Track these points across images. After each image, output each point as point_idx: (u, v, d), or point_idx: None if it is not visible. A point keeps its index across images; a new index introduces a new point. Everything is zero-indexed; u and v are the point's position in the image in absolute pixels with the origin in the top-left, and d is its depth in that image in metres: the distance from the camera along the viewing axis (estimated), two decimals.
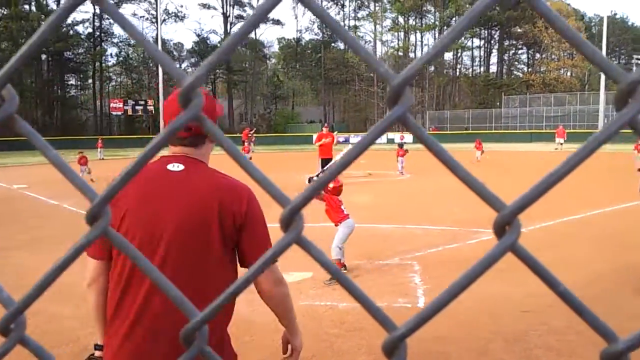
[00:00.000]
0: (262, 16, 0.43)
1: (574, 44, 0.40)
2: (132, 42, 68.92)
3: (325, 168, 17.10)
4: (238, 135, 45.06)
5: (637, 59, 66.92)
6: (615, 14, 78.28)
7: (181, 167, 1.98)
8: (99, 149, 33.82)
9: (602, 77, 52.23)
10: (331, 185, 7.18)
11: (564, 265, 7.25)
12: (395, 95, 0.40)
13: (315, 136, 19.32)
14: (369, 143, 0.41)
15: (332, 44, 78.89)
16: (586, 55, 0.40)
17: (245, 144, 27.42)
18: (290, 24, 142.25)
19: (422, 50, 79.53)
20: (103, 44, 67.96)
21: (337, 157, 16.47)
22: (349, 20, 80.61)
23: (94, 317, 2.11)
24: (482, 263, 0.40)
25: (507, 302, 5.89)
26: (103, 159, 32.96)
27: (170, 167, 1.98)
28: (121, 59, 69.32)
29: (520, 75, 77.12)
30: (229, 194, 1.97)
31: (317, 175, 7.58)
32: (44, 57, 62.86)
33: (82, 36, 66.31)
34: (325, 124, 20.94)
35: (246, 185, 1.93)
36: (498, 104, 68.21)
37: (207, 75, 0.44)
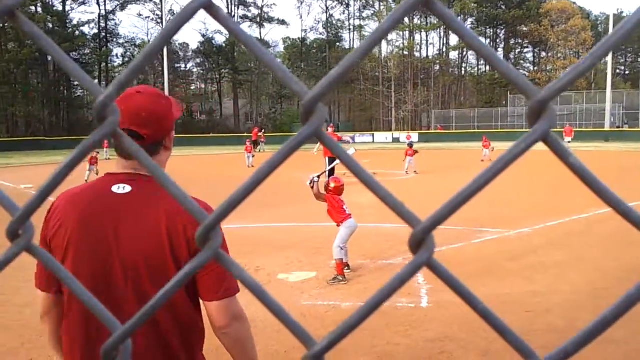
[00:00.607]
0: (166, 38, 0.42)
1: (487, 58, 0.40)
2: (138, 42, 69.24)
3: (332, 165, 17.12)
4: (245, 135, 45.22)
5: None
6: (622, 12, 77.92)
7: (127, 188, 1.73)
8: (105, 149, 33.90)
9: (609, 75, 51.97)
10: (332, 185, 7.18)
11: (574, 264, 7.23)
12: (307, 111, 0.40)
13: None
14: (278, 163, 0.41)
15: (337, 44, 78.86)
16: (500, 71, 0.40)
17: (248, 144, 27.41)
18: (295, 23, 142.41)
19: (427, 50, 79.44)
20: (109, 44, 68.19)
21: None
22: (354, 19, 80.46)
23: (51, 346, 1.92)
24: (396, 280, 0.40)
25: (511, 302, 5.87)
26: (109, 158, 33.04)
27: (115, 189, 1.74)
28: (127, 59, 69.51)
29: (526, 74, 76.64)
30: (180, 219, 1.69)
31: (319, 176, 7.55)
32: (49, 58, 63.08)
33: (88, 37, 66.55)
34: (331, 124, 20.82)
35: (204, 203, 1.63)
36: (504, 102, 67.94)
37: (118, 93, 0.44)
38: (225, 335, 1.85)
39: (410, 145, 21.80)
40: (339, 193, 7.23)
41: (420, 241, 0.40)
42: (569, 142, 37.35)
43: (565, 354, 0.39)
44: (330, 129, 18.61)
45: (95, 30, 67.81)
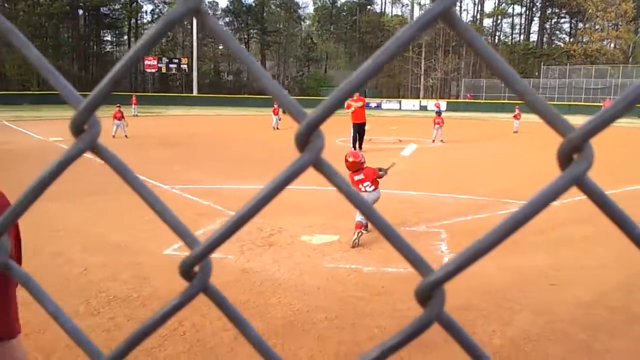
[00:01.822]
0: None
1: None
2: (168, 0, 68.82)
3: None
4: (269, 97, 44.93)
5: None
6: None
7: None
8: (133, 106, 34.18)
9: None
10: (350, 159, 7.17)
11: (601, 239, 7.09)
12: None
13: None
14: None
15: (368, 7, 77.33)
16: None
17: (275, 105, 27.30)
18: None
19: (460, 16, 77.36)
20: (139, 0, 67.98)
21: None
22: None
23: None
24: (543, 195, 0.34)
25: (535, 274, 5.80)
26: (137, 115, 33.37)
27: None
28: (156, 16, 69.30)
29: (562, 45, 74.53)
30: None
31: (386, 170, 7.55)
32: (80, 12, 63.29)
33: None
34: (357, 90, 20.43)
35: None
36: (537, 74, 66.27)
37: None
38: None
39: (439, 113, 21.45)
40: (350, 169, 7.16)
41: (576, 150, 0.34)
42: None
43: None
44: (356, 95, 18.22)
45: None
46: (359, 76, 0.35)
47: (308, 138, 0.37)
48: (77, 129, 0.44)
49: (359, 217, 6.89)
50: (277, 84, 0.37)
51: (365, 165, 7.28)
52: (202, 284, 0.43)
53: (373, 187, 7.22)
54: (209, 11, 0.39)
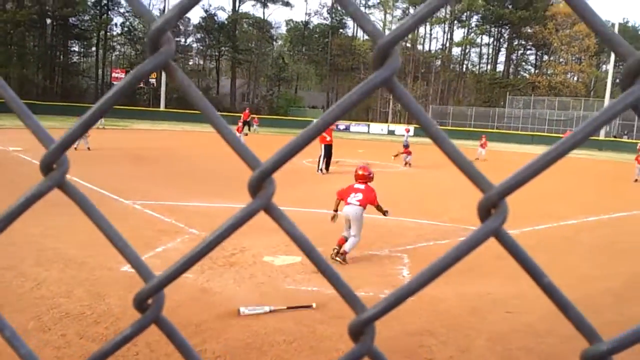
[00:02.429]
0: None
1: (583, 14, 0.34)
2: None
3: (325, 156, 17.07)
4: (240, 114, 44.99)
5: None
6: (627, 22, 77.97)
7: None
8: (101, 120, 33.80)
9: (609, 84, 52.10)
10: (360, 172, 7.79)
11: (559, 269, 7.24)
12: (382, 55, 0.36)
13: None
14: (349, 106, 0.36)
15: (340, 30, 78.36)
16: (596, 28, 0.34)
17: (240, 124, 27.22)
18: (300, 6, 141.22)
19: (430, 43, 79.23)
20: (109, 12, 67.36)
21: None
22: (360, 7, 79.88)
23: None
24: (464, 245, 0.35)
25: (492, 302, 5.87)
26: (104, 127, 32.92)
27: None
28: (126, 29, 68.76)
29: (527, 76, 76.76)
30: None
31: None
32: (48, 21, 62.34)
33: (89, 3, 65.67)
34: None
35: None
36: (502, 103, 67.97)
37: (178, 18, 0.39)
38: None
39: (406, 146, 21.80)
40: (356, 179, 7.78)
41: (493, 206, 0.35)
42: None
43: (636, 335, 0.36)
44: None
45: None
46: (308, 132, 0.36)
47: (261, 185, 0.37)
48: (47, 167, 0.45)
49: (345, 232, 7.20)
50: (235, 135, 0.38)
51: (369, 183, 7.68)
52: (154, 315, 0.43)
53: (359, 204, 7.31)
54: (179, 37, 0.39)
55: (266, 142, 30.21)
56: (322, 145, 17.28)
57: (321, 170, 17.23)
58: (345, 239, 7.14)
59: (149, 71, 0.41)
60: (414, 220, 10.08)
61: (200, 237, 7.78)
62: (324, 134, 17.04)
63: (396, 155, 21.54)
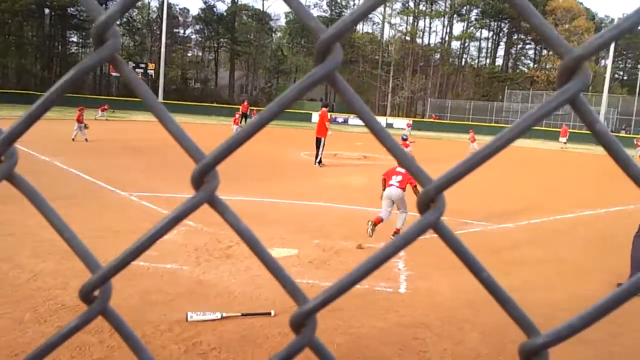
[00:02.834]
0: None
1: (522, 12, 0.35)
2: (138, 4, 68.16)
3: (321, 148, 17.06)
4: (238, 106, 44.91)
5: None
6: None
7: None
8: (100, 112, 33.87)
9: (607, 79, 52.09)
10: None
11: (553, 263, 7.28)
12: (323, 51, 0.36)
13: (317, 115, 18.77)
14: (289, 102, 0.37)
15: None
16: (533, 25, 0.35)
17: (237, 115, 27.12)
18: None
19: (429, 37, 79.00)
20: (108, 3, 67.06)
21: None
22: (358, 0, 79.80)
23: None
24: (402, 237, 0.37)
25: (487, 294, 5.89)
26: (107, 119, 33.06)
27: None
28: (125, 20, 68.48)
29: (526, 70, 76.70)
30: None
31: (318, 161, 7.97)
32: (47, 11, 62.05)
33: None
34: (326, 103, 20.24)
35: None
36: (500, 97, 67.94)
37: (121, 13, 0.40)
38: None
39: (405, 139, 21.72)
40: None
41: (430, 200, 0.36)
42: (564, 142, 37.88)
43: (570, 329, 0.37)
44: (324, 108, 18.19)
45: None
46: (248, 129, 0.37)
47: (203, 178, 0.38)
48: None
49: (381, 213, 7.90)
50: (179, 127, 0.39)
51: None
52: (101, 307, 0.43)
53: (399, 186, 8.04)
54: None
55: (264, 135, 30.15)
56: (322, 139, 17.14)
57: (319, 162, 17.19)
58: (381, 219, 7.73)
59: (94, 65, 0.41)
60: (411, 213, 10.08)
61: (197, 229, 7.79)
62: (327, 126, 17.04)
63: None
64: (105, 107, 35.04)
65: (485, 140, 26.44)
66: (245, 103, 41.35)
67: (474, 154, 0.34)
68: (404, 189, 7.97)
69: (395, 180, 8.05)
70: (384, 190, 8.20)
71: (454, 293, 5.84)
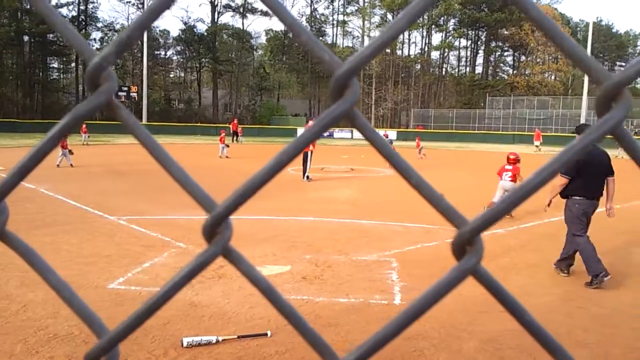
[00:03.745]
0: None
1: (553, 38, 0.34)
2: (117, 27, 68.05)
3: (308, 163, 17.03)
4: (223, 125, 44.84)
5: (621, 66, 67.77)
6: (601, 20, 79.24)
7: None
8: (83, 135, 33.58)
9: (585, 82, 52.83)
10: (512, 156, 10.98)
11: (546, 267, 7.30)
12: (340, 87, 0.35)
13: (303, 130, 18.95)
14: (307, 141, 0.35)
15: (320, 38, 78.60)
16: (566, 52, 0.34)
17: (222, 134, 27.02)
18: None
19: (409, 48, 79.77)
20: (87, 28, 66.94)
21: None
22: (338, 15, 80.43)
23: None
24: (438, 287, 0.35)
25: (483, 302, 5.89)
26: (87, 144, 32.67)
27: None
28: (105, 44, 68.32)
29: (505, 77, 77.61)
30: None
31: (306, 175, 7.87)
32: (26, 38, 61.76)
33: (67, 19, 64.95)
34: (311, 118, 20.44)
35: None
36: (482, 104, 68.61)
37: (117, 55, 0.38)
38: None
39: (390, 142, 21.88)
40: (508, 162, 10.98)
41: (467, 243, 0.34)
42: (537, 145, 38.24)
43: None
44: (310, 122, 18.28)
45: (74, 13, 66.56)
46: (263, 173, 0.35)
47: (216, 230, 0.36)
48: None
49: (495, 199, 10.59)
50: (185, 173, 0.37)
51: (518, 164, 10.90)
52: None
53: (511, 179, 10.71)
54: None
55: (251, 152, 30.17)
56: (309, 153, 17.10)
57: (307, 177, 17.14)
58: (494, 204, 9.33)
59: (90, 111, 0.39)
60: (401, 223, 10.10)
61: (187, 250, 7.72)
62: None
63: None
64: (84, 129, 34.70)
65: (470, 147, 26.63)
66: (235, 121, 41.38)
67: (514, 193, 0.32)
68: (514, 181, 10.68)
69: (506, 176, 10.81)
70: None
71: (449, 302, 5.83)
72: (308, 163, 17.07)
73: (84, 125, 35.31)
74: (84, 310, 0.41)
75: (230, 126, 39.99)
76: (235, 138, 39.57)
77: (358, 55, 0.35)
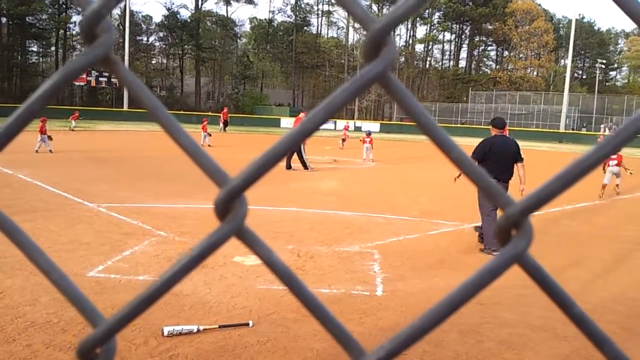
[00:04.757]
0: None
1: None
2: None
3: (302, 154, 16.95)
4: (205, 113, 44.47)
5: (602, 62, 68.62)
6: (583, 18, 79.99)
7: None
8: (73, 121, 33.05)
9: (567, 78, 53.39)
10: None
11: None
12: (376, 44, 0.31)
13: (295, 121, 19.23)
14: (337, 107, 0.32)
15: (305, 28, 78.27)
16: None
17: (204, 122, 26.66)
18: (263, 4, 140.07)
19: (394, 39, 79.65)
20: (68, 11, 65.70)
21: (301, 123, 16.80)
22: (323, 4, 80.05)
23: None
24: (480, 275, 0.32)
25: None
26: (74, 129, 32.20)
27: None
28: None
29: (488, 71, 78.12)
30: None
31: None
32: (4, 20, 60.48)
33: (46, 1, 63.87)
34: (303, 110, 20.50)
35: None
36: (465, 98, 69.02)
37: (118, 1, 0.33)
38: None
39: (369, 133, 21.82)
40: None
41: (514, 225, 0.31)
42: None
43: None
44: (302, 114, 18.54)
45: None
46: (287, 140, 0.32)
47: (229, 206, 0.32)
48: None
49: (605, 180, 13.16)
50: (194, 142, 0.33)
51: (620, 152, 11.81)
52: None
53: (616, 164, 13.04)
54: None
55: (233, 141, 29.96)
56: (302, 144, 17.06)
57: (308, 167, 16.96)
58: (605, 185, 13.07)
59: (84, 66, 0.34)
60: (383, 215, 10.13)
61: (168, 239, 7.65)
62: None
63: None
64: (77, 115, 34.14)
65: (456, 140, 26.73)
66: (225, 110, 41.10)
67: (556, 177, 0.29)
68: (619, 165, 13.09)
69: (612, 162, 12.95)
70: (604, 168, 13.20)
71: (430, 294, 5.86)
72: (303, 154, 16.97)
73: (76, 113, 34.79)
74: (75, 295, 0.37)
75: (221, 115, 39.59)
76: (226, 127, 39.35)
77: (396, 9, 0.31)
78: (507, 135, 8.37)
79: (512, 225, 0.30)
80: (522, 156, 7.97)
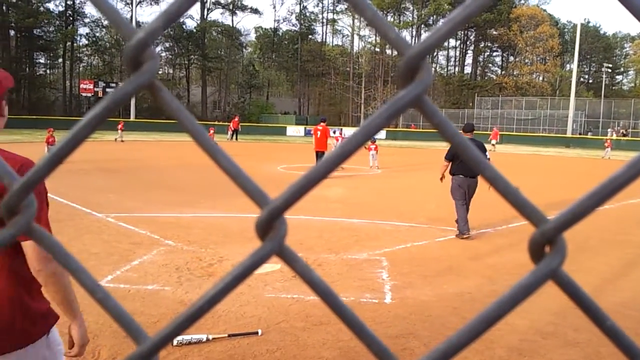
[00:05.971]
0: None
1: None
2: (105, 23, 67.46)
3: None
4: (212, 122, 44.65)
5: (608, 66, 68.44)
6: (589, 22, 79.90)
7: None
8: (119, 131, 33.11)
9: (573, 83, 53.27)
10: None
11: (532, 265, 7.33)
12: (412, 69, 0.31)
13: (314, 130, 19.81)
14: (375, 130, 0.32)
15: (310, 36, 78.56)
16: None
17: (211, 131, 26.78)
18: (268, 13, 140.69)
19: None
20: (75, 23, 66.28)
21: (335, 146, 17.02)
22: (327, 12, 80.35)
23: None
24: (515, 292, 0.32)
25: (471, 301, 5.91)
26: (122, 140, 32.32)
27: None
28: (92, 39, 67.72)
29: (494, 77, 78.06)
30: None
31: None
32: (12, 32, 61.08)
33: (54, 14, 64.46)
34: (323, 118, 20.67)
35: (25, 159, 2.03)
36: (471, 104, 68.95)
37: (164, 29, 0.34)
38: (42, 273, 2.05)
39: (373, 140, 21.83)
40: None
41: (548, 242, 0.31)
42: (493, 144, 36.32)
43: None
44: (322, 124, 19.05)
45: (61, 8, 65.86)
46: (325, 165, 0.33)
47: (271, 226, 0.33)
48: (10, 211, 0.37)
49: None
50: (235, 163, 0.33)
51: None
52: None
53: None
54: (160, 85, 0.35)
55: (241, 150, 30.03)
56: (316, 152, 18.53)
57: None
58: None
59: (131, 93, 0.35)
60: (391, 222, 10.11)
61: (177, 248, 7.67)
62: (329, 141, 18.87)
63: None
64: (121, 127, 34.03)
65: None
66: (236, 119, 41.12)
67: (591, 194, 0.30)
68: None
69: None
70: None
71: (439, 301, 5.84)
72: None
73: (121, 123, 34.78)
74: (120, 313, 0.38)
75: (231, 123, 39.69)
76: (236, 135, 39.42)
77: (432, 34, 0.32)
78: (474, 138, 9.19)
79: (546, 241, 0.30)
80: (489, 157, 8.62)
